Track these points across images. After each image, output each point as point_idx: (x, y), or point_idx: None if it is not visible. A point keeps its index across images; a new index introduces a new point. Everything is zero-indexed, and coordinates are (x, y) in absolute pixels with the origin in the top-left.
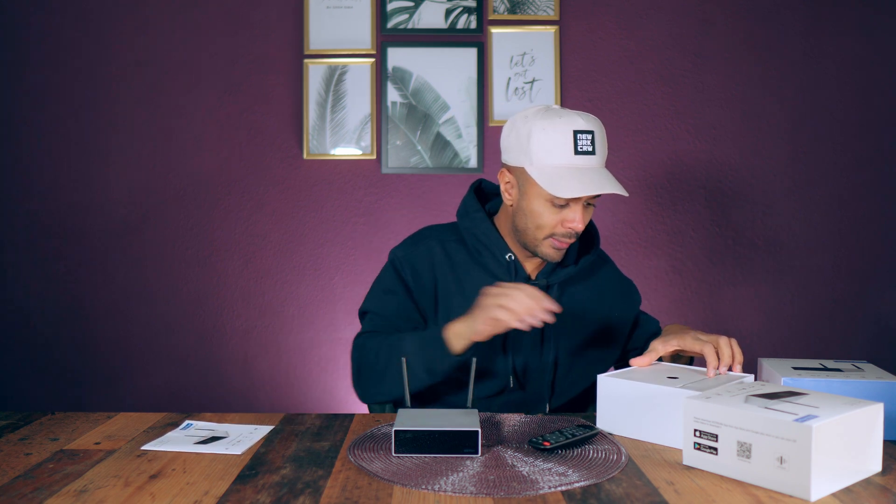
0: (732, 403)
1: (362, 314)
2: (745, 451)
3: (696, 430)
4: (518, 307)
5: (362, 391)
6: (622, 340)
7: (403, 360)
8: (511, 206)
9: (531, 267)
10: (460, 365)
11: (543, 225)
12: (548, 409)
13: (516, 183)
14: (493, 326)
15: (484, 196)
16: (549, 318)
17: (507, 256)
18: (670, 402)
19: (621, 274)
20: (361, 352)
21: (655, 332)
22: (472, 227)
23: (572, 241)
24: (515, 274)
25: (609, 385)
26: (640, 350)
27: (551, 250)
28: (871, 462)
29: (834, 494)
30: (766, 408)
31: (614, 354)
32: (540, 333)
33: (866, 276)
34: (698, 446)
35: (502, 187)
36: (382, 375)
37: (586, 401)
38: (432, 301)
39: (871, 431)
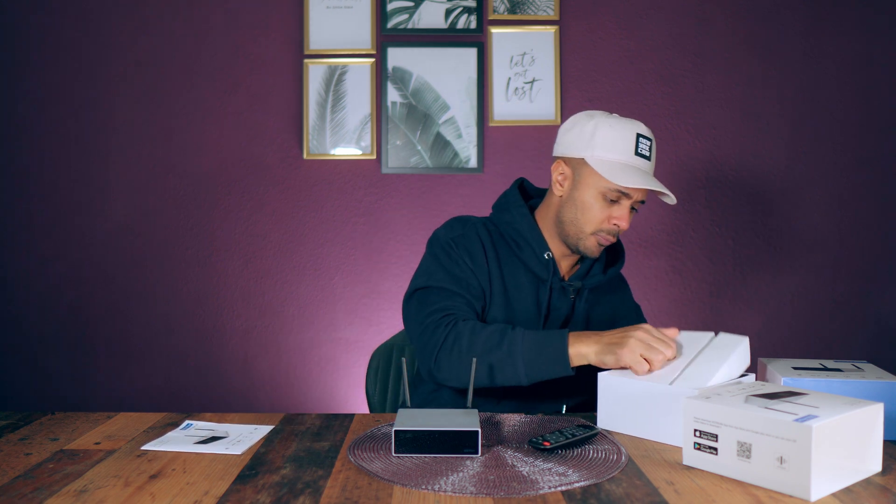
0: (732, 403)
1: (417, 290)
2: (745, 451)
3: (696, 430)
4: (657, 364)
5: (447, 372)
6: None
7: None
8: (560, 196)
9: (565, 268)
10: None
11: (592, 218)
12: (565, 410)
13: (571, 175)
14: (625, 365)
15: (524, 195)
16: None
17: (545, 255)
18: (670, 400)
19: (635, 302)
20: (464, 334)
21: None
22: (513, 221)
23: (613, 240)
24: (553, 273)
25: (609, 383)
26: None
27: (595, 245)
28: (872, 462)
29: (834, 494)
30: (766, 408)
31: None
32: None
33: (866, 276)
34: (698, 446)
35: (554, 178)
36: (479, 359)
37: (594, 403)
38: (487, 283)
39: (871, 431)
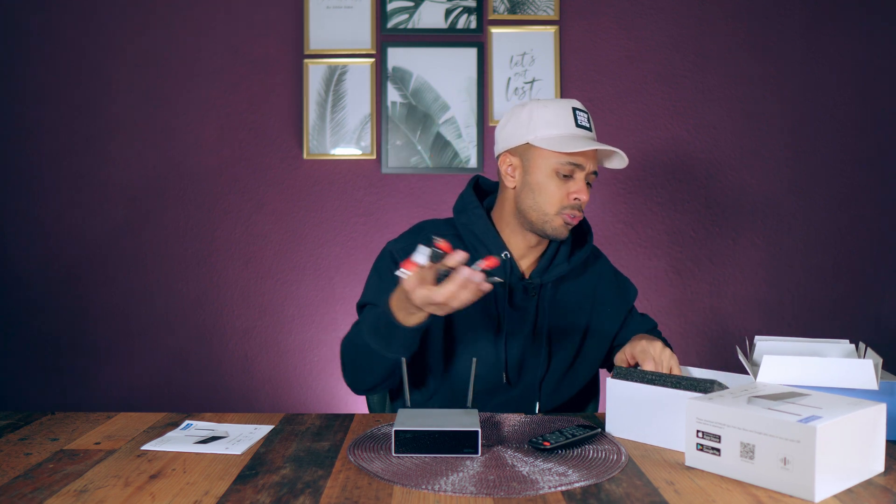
0: (736, 404)
1: (360, 307)
2: (748, 451)
3: (698, 431)
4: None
5: (350, 383)
6: (609, 338)
7: (403, 359)
8: (514, 188)
9: (525, 265)
10: (415, 335)
11: (551, 198)
12: (537, 410)
13: (519, 163)
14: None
15: (481, 192)
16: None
17: (503, 255)
18: (681, 404)
19: (615, 270)
20: (344, 345)
21: (649, 331)
22: (469, 224)
23: (580, 216)
24: (511, 272)
25: (618, 388)
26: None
27: (562, 225)
28: (874, 462)
29: (836, 495)
30: (769, 409)
31: (602, 351)
32: (531, 332)
33: (866, 276)
34: (701, 447)
35: (503, 172)
36: (357, 367)
37: (583, 402)
38: None
39: (875, 432)
